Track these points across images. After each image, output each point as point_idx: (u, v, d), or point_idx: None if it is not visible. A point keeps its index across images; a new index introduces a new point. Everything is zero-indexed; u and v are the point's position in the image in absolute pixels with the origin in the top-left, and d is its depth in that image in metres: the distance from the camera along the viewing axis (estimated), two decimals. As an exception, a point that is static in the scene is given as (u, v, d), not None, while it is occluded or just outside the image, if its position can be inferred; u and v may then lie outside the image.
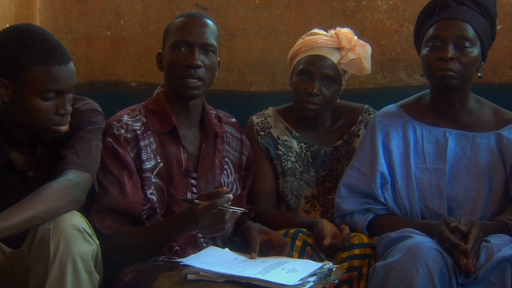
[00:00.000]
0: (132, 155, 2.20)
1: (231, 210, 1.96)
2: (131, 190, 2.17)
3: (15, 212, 1.77)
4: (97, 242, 1.90)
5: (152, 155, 2.23)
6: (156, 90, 2.35)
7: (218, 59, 2.31)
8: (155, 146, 2.24)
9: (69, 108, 2.00)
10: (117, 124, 2.21)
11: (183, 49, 2.21)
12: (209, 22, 2.27)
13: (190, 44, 2.21)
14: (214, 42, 2.24)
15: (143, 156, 2.21)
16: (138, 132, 2.23)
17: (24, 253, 1.87)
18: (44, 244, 1.79)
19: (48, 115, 1.96)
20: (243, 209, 2.05)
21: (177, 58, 2.22)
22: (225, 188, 2.00)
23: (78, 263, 1.80)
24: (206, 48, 2.23)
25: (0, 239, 1.82)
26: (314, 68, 2.49)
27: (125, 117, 2.25)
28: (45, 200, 1.82)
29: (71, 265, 1.79)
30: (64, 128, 2.01)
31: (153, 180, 2.22)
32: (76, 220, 1.85)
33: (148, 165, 2.21)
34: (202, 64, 2.20)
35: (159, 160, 2.23)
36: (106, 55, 3.19)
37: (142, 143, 2.22)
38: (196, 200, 1.98)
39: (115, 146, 2.18)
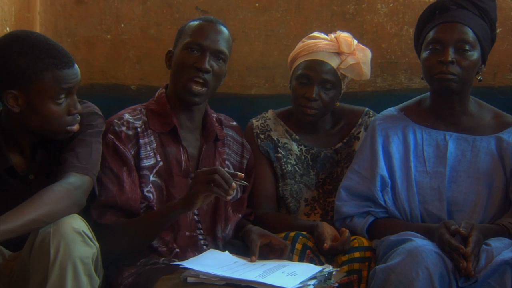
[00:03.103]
0: (132, 152, 2.20)
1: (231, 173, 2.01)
2: (129, 187, 2.17)
3: (16, 215, 1.77)
4: (97, 245, 1.90)
5: (152, 153, 2.23)
6: (158, 91, 2.35)
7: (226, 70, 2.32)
8: (155, 145, 2.24)
9: (79, 106, 2.03)
10: (119, 122, 2.22)
11: (195, 51, 2.22)
12: (225, 30, 2.29)
13: (203, 48, 2.22)
14: (226, 50, 2.25)
15: (142, 153, 2.21)
16: (139, 130, 2.23)
17: (24, 256, 1.87)
18: (44, 247, 1.79)
19: (62, 117, 1.99)
20: (245, 182, 2.07)
21: (188, 59, 2.22)
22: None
23: (78, 266, 1.80)
24: (218, 55, 2.24)
25: (0, 242, 1.82)
26: (313, 73, 2.49)
27: (126, 115, 2.26)
28: (45, 203, 1.82)
29: (71, 268, 1.79)
30: (76, 127, 2.04)
31: (152, 178, 2.22)
32: (77, 223, 1.84)
33: (147, 163, 2.22)
34: (210, 69, 2.21)
35: (159, 159, 2.24)
36: (106, 58, 3.19)
37: (141, 141, 2.22)
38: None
39: (116, 143, 2.18)
